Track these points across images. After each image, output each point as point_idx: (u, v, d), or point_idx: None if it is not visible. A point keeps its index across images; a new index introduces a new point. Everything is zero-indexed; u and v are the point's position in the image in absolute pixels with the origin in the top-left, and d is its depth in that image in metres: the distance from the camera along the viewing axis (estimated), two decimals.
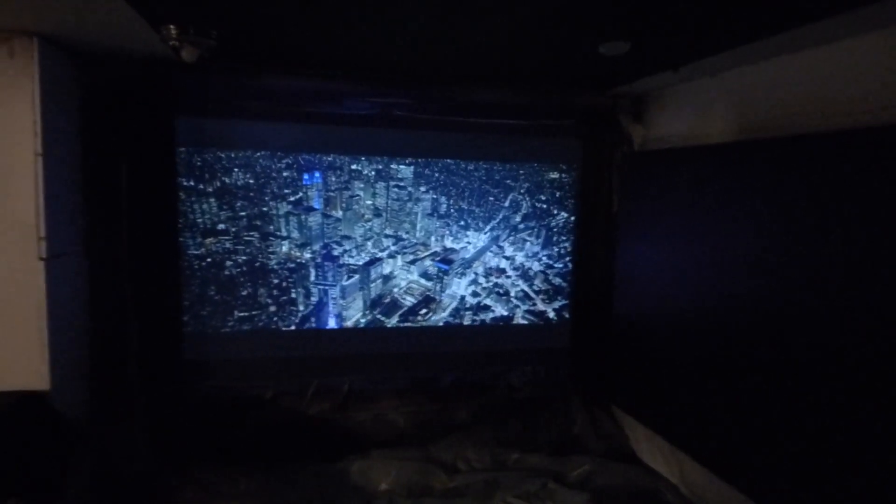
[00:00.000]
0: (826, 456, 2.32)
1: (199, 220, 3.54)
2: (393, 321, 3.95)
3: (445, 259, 4.01)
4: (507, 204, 4.04)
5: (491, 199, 4.02)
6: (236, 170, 3.57)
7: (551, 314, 4.18)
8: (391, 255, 3.93)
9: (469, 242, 4.04)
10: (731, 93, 2.99)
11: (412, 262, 3.98)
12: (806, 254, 2.43)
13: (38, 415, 2.56)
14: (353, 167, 3.78)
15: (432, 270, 3.99)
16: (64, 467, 2.62)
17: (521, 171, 4.03)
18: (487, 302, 4.09)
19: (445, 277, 4.02)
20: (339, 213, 3.81)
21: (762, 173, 2.69)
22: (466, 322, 4.07)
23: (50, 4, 2.13)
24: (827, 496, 2.31)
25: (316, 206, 3.74)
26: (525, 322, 4.15)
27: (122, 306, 3.17)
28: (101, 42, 2.70)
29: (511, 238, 4.08)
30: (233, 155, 3.55)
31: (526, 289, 4.14)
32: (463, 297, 4.06)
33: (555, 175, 4.08)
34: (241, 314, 3.66)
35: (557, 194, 4.09)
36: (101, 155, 3.07)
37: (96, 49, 2.81)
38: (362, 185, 3.82)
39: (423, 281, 4.00)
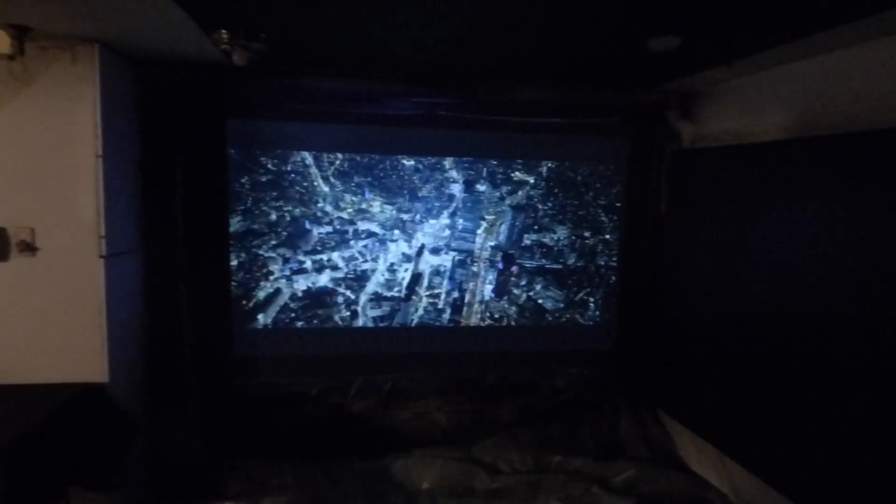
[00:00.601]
0: (891, 468, 2.20)
1: (256, 213, 3.63)
2: (444, 319, 3.96)
3: (506, 257, 3.99)
4: (550, 205, 3.99)
5: (535, 200, 3.98)
6: (287, 168, 3.65)
7: (596, 315, 4.11)
8: (444, 252, 3.94)
9: (517, 240, 4.01)
10: (787, 88, 2.87)
11: (468, 260, 3.98)
12: (865, 256, 2.31)
13: (97, 406, 2.66)
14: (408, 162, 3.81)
15: (482, 266, 3.98)
16: (122, 457, 2.72)
17: (575, 174, 3.97)
18: (529, 304, 4.05)
19: (500, 276, 4.00)
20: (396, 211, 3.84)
21: (819, 172, 2.58)
22: (505, 323, 4.04)
23: (110, 12, 2.21)
24: None
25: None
26: (569, 323, 4.10)
27: (176, 304, 3.28)
28: (157, 47, 2.79)
29: (554, 237, 4.03)
30: (280, 153, 3.62)
31: (564, 292, 4.08)
32: (508, 296, 4.03)
33: (601, 173, 4.00)
34: (284, 302, 3.74)
35: (603, 193, 4.01)
36: (157, 156, 3.18)
37: (153, 54, 2.91)
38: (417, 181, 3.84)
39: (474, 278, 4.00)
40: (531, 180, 3.96)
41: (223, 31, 2.54)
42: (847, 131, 2.47)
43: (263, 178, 3.63)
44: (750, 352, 2.97)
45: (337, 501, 3.06)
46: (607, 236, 4.05)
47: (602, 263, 4.08)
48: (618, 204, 4.02)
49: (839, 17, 2.14)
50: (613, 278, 4.08)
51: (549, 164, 3.96)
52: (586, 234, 4.05)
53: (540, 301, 4.07)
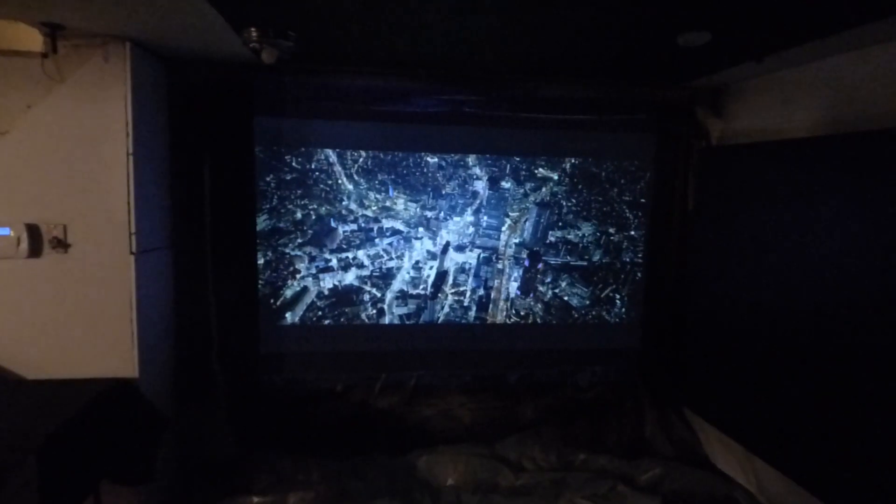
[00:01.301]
0: None
1: (282, 212, 3.65)
2: (470, 316, 3.97)
3: (532, 254, 3.98)
4: (574, 202, 3.97)
5: (559, 196, 3.96)
6: (311, 166, 3.66)
7: (622, 313, 4.09)
8: (469, 249, 3.94)
9: (541, 238, 4.00)
10: (819, 84, 2.82)
11: (493, 257, 3.97)
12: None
13: (127, 402, 2.69)
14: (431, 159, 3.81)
15: (508, 264, 3.97)
16: (152, 451, 2.75)
17: (599, 170, 3.94)
18: (555, 301, 4.03)
19: (525, 273, 3.99)
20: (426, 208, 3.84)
21: (850, 169, 2.54)
22: (531, 321, 4.03)
23: (141, 10, 2.22)
24: None
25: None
26: (595, 320, 4.08)
27: (203, 300, 3.31)
28: (187, 45, 2.80)
29: (579, 234, 4.00)
30: (304, 151, 3.63)
31: (590, 289, 4.06)
32: (533, 294, 4.03)
33: (625, 169, 3.97)
34: (310, 300, 3.76)
35: (628, 189, 3.98)
36: (186, 153, 3.20)
37: (182, 52, 2.93)
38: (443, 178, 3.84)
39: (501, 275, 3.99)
40: (555, 177, 3.94)
41: (253, 29, 2.55)
42: (879, 128, 2.42)
43: (288, 177, 3.64)
44: (777, 350, 2.94)
45: (362, 497, 3.08)
46: (632, 233, 4.02)
47: (627, 260, 4.05)
48: (643, 200, 3.98)
49: (870, 13, 2.10)
50: (639, 275, 4.05)
51: (573, 161, 3.93)
52: (611, 230, 4.01)
53: (566, 298, 4.05)
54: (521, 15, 2.33)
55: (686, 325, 3.76)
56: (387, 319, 3.87)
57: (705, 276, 3.61)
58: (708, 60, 3.02)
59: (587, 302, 4.05)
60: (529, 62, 3.17)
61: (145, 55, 2.79)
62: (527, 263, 3.99)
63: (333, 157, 3.68)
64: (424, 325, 3.91)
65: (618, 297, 4.08)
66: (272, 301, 3.68)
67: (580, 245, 4.01)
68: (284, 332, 3.71)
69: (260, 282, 3.60)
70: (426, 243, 3.86)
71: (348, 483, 3.18)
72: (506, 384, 3.86)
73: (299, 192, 3.66)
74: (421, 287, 3.90)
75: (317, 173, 3.67)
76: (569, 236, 3.99)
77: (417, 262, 3.87)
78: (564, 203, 3.96)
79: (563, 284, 4.03)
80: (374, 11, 2.31)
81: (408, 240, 3.84)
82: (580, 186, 3.95)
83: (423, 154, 3.77)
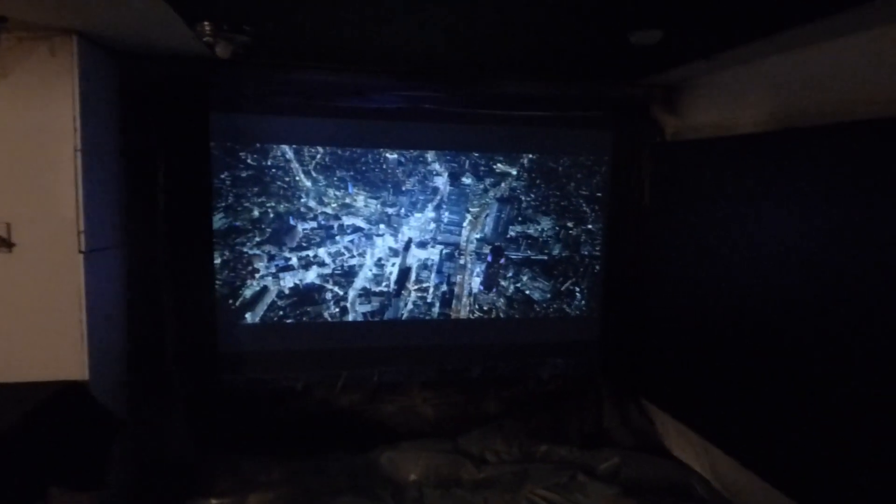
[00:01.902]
0: (861, 450, 2.28)
1: (238, 210, 3.59)
2: (434, 312, 3.97)
3: (495, 249, 4.01)
4: (532, 196, 4.02)
5: (518, 192, 4.00)
6: (267, 163, 3.61)
7: (582, 305, 4.16)
8: (431, 245, 3.94)
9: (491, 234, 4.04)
10: (766, 81, 2.94)
11: (455, 253, 3.99)
12: (841, 244, 2.38)
13: (78, 404, 2.62)
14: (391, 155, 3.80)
15: (470, 259, 3.99)
16: (104, 456, 2.68)
17: (556, 165, 4.00)
18: (518, 295, 4.08)
19: (488, 268, 4.03)
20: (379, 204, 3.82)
21: (797, 163, 2.64)
22: (494, 315, 4.07)
23: (89, 2, 2.17)
24: (862, 490, 2.27)
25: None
26: (556, 314, 4.14)
27: (158, 300, 3.24)
28: (137, 39, 2.74)
29: (539, 228, 4.06)
30: (259, 147, 3.57)
31: (551, 283, 4.12)
32: (496, 288, 4.06)
33: (581, 164, 4.04)
34: (271, 300, 3.71)
35: (584, 183, 4.05)
36: (139, 150, 3.13)
37: (133, 46, 2.86)
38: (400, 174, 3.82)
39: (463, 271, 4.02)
40: (514, 172, 3.99)
41: (206, 23, 2.51)
42: (822, 123, 2.53)
43: (244, 174, 3.58)
44: (731, 341, 3.04)
45: (324, 495, 3.06)
46: (590, 226, 4.10)
47: (586, 253, 4.13)
48: (598, 194, 4.07)
49: (813, 12, 2.20)
50: (597, 268, 4.13)
51: (531, 156, 3.98)
52: (569, 224, 4.09)
53: (528, 292, 4.10)
54: (473, 11, 2.35)
55: (644, 318, 3.86)
56: (350, 318, 3.85)
57: (661, 269, 3.70)
58: (660, 58, 3.11)
59: (548, 295, 4.12)
60: (486, 59, 3.20)
61: (94, 49, 2.71)
62: (489, 259, 4.03)
63: (290, 154, 3.64)
64: (386, 322, 3.91)
65: (577, 290, 4.16)
66: (231, 301, 3.62)
67: (540, 239, 4.07)
68: (244, 331, 3.66)
69: (217, 282, 3.54)
70: (388, 240, 3.86)
71: (310, 482, 3.16)
72: (469, 379, 3.89)
73: (256, 189, 3.60)
74: (384, 284, 3.89)
75: (273, 170, 3.63)
76: (528, 231, 4.05)
77: (380, 260, 3.87)
78: (523, 198, 4.02)
79: (525, 279, 4.09)
80: (329, 6, 2.30)
81: (369, 237, 3.83)
82: (538, 181, 4.01)
83: (382, 150, 3.76)
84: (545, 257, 4.08)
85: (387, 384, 3.77)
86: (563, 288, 4.13)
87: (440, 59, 3.23)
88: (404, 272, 3.92)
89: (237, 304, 3.65)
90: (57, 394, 2.51)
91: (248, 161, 3.58)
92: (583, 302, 4.16)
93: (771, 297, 2.76)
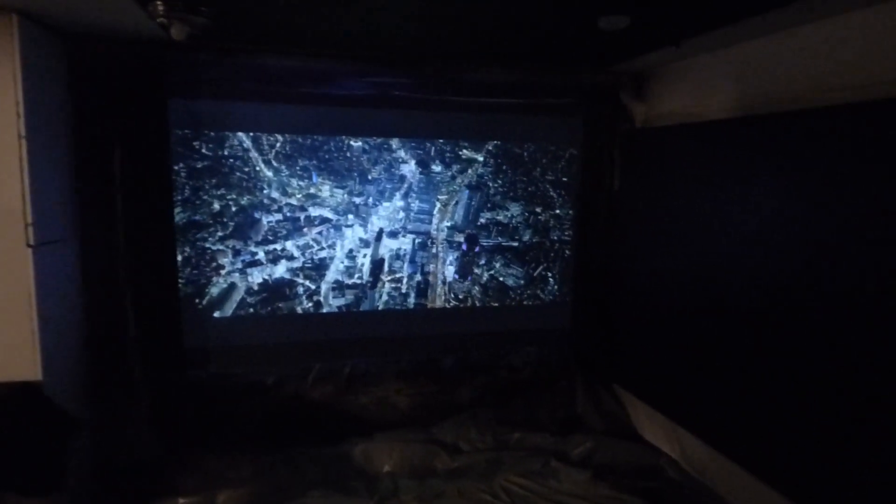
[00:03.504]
0: (828, 430, 2.34)
1: (197, 203, 3.44)
2: (410, 303, 3.92)
3: (469, 237, 3.97)
4: (500, 183, 3.98)
5: (486, 178, 3.96)
6: (224, 152, 3.47)
7: (555, 290, 4.17)
8: (401, 235, 3.88)
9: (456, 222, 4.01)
10: (733, 68, 2.95)
11: (428, 242, 3.93)
12: (807, 229, 2.43)
13: (31, 406, 2.51)
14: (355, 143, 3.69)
15: (442, 248, 3.95)
16: (62, 458, 2.58)
17: (522, 151, 3.98)
18: (493, 283, 4.06)
19: (463, 256, 4.00)
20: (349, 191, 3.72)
21: (763, 149, 2.68)
22: (470, 304, 4.05)
23: None
24: (828, 469, 2.33)
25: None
26: (530, 300, 4.14)
27: (118, 293, 3.11)
28: (86, 20, 2.58)
29: (508, 214, 4.04)
30: (214, 136, 3.43)
31: (525, 269, 4.12)
32: (471, 277, 4.03)
33: (546, 149, 4.02)
34: (240, 297, 3.60)
35: (550, 168, 4.04)
36: (93, 138, 2.98)
37: (82, 28, 2.70)
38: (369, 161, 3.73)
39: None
40: (480, 158, 3.95)
41: (158, 2, 2.37)
42: (787, 110, 2.56)
43: (199, 165, 3.42)
44: (699, 326, 3.09)
45: (297, 490, 3.01)
46: (558, 211, 4.10)
47: (556, 238, 4.13)
48: (564, 179, 4.06)
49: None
50: (568, 253, 4.13)
51: (496, 141, 3.94)
52: (538, 209, 4.08)
53: (501, 279, 4.09)
54: None
55: (614, 304, 3.89)
56: (325, 311, 3.77)
57: (631, 255, 3.73)
58: (628, 45, 3.09)
59: (522, 282, 4.11)
60: (456, 45, 3.14)
61: (38, 29, 2.55)
62: (464, 247, 3.99)
63: (248, 143, 3.50)
64: (358, 313, 3.85)
65: (550, 275, 4.16)
66: (197, 301, 3.49)
67: (510, 226, 4.05)
68: (211, 326, 3.56)
69: (181, 280, 3.41)
70: (357, 231, 3.78)
71: (281, 477, 3.10)
72: (442, 368, 3.87)
73: (214, 181, 3.46)
74: (357, 276, 3.82)
75: (231, 160, 3.48)
76: (498, 217, 4.03)
77: (351, 251, 3.79)
78: (491, 184, 3.99)
79: (498, 265, 4.07)
80: None
81: (338, 228, 3.75)
82: (504, 167, 3.98)
83: (346, 138, 3.66)
84: (516, 243, 4.07)
85: (360, 376, 3.71)
86: (535, 273, 4.13)
87: (407, 46, 3.16)
88: (378, 263, 3.85)
89: (204, 302, 3.52)
90: (7, 395, 2.40)
91: (204, 151, 3.42)
92: (556, 287, 4.17)
93: (739, 282, 2.81)
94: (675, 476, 3.25)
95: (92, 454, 2.99)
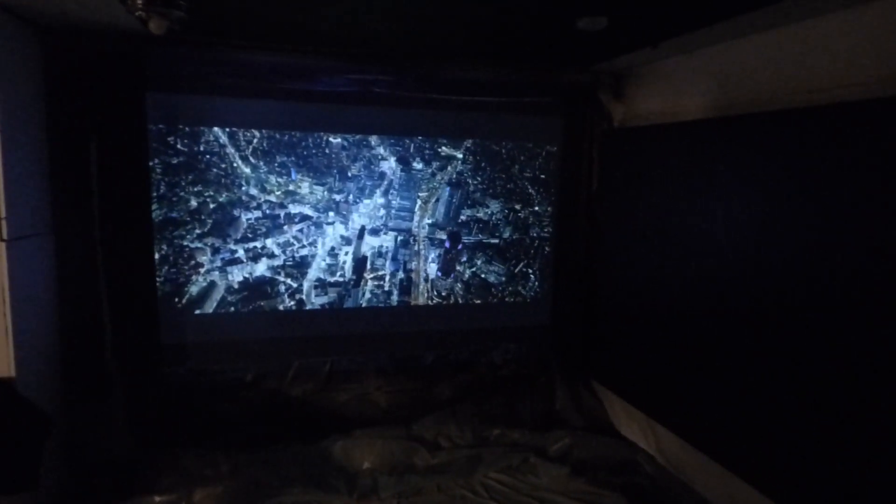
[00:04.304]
0: (798, 424, 2.39)
1: (173, 200, 3.41)
2: (393, 300, 3.93)
3: (452, 235, 3.98)
4: (479, 180, 4.00)
5: (465, 175, 3.98)
6: (199, 148, 3.42)
7: (532, 291, 4.21)
8: (383, 232, 3.87)
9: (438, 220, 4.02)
10: (710, 70, 3.01)
11: (410, 239, 3.93)
12: (783, 230, 2.47)
13: (3, 403, 2.47)
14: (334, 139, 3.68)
15: (424, 245, 3.95)
16: (35, 455, 2.54)
17: (500, 148, 4.00)
18: (475, 280, 4.08)
19: (446, 254, 4.00)
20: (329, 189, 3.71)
21: (739, 149, 2.72)
22: (452, 301, 4.06)
23: None
24: (800, 463, 2.39)
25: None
26: (512, 297, 4.17)
27: (94, 289, 3.07)
28: (62, 12, 2.55)
29: (488, 211, 4.06)
30: (189, 131, 3.38)
31: (506, 266, 4.15)
32: (454, 274, 4.04)
33: (523, 146, 4.05)
34: (220, 296, 3.58)
35: (528, 166, 4.07)
36: (69, 132, 2.94)
37: (59, 20, 2.67)
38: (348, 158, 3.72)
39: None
40: (459, 155, 3.96)
41: None
42: (763, 111, 2.62)
43: (175, 161, 3.37)
44: (674, 323, 3.14)
45: (275, 488, 3.00)
46: (537, 208, 4.13)
47: (535, 235, 4.16)
48: (542, 176, 4.09)
49: (754, 2, 2.25)
50: (548, 249, 4.17)
51: (475, 139, 3.97)
52: (517, 206, 4.10)
53: (483, 276, 4.11)
54: None
55: (593, 301, 3.94)
56: (307, 309, 3.76)
57: (609, 253, 3.78)
58: (607, 46, 3.14)
59: (504, 279, 4.14)
60: (436, 43, 3.16)
61: (13, 21, 2.52)
62: (447, 245, 4.01)
63: (224, 138, 3.46)
64: (339, 310, 3.84)
65: (531, 272, 4.19)
66: (177, 300, 3.46)
67: (490, 223, 4.08)
68: (189, 322, 3.52)
69: (159, 279, 3.37)
70: (338, 228, 3.77)
71: (259, 475, 3.09)
72: (422, 365, 3.88)
73: (190, 177, 3.41)
74: (339, 274, 3.81)
75: (207, 156, 3.44)
76: (478, 214, 4.05)
77: (333, 249, 3.78)
78: (471, 181, 4.00)
79: (479, 262, 4.09)
80: None
81: (318, 225, 3.73)
82: (483, 164, 4.00)
83: (324, 134, 3.65)
84: (497, 240, 4.10)
85: (339, 372, 3.71)
86: (516, 270, 4.15)
87: (388, 43, 3.16)
88: (361, 261, 3.85)
89: (184, 301, 3.48)
90: None
91: (179, 146, 3.37)
92: (537, 284, 4.20)
93: (714, 281, 2.86)
94: (651, 471, 3.30)
95: (66, 452, 2.95)
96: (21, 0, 2.38)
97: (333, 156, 3.69)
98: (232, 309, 3.59)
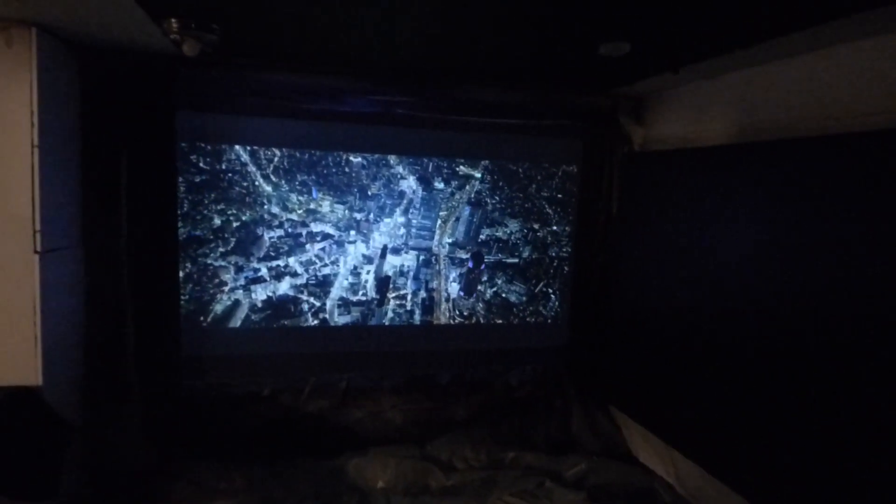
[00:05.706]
0: (820, 455, 2.34)
1: (197, 218, 3.48)
2: (416, 319, 3.94)
3: (475, 255, 3.99)
4: (497, 199, 4.01)
5: (483, 195, 4.00)
6: (221, 166, 3.49)
7: (553, 311, 4.19)
8: (404, 252, 3.90)
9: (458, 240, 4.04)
10: (731, 95, 3.01)
11: (432, 259, 3.95)
12: (804, 256, 2.44)
13: (29, 410, 2.52)
14: (354, 158, 3.73)
15: (444, 264, 3.97)
16: (57, 464, 2.59)
17: (517, 167, 4.02)
18: (496, 299, 4.07)
19: (469, 274, 4.01)
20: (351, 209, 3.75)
21: (760, 176, 2.71)
22: (474, 321, 4.05)
23: None
24: (821, 495, 2.33)
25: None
26: (524, 321, 4.15)
27: (119, 302, 3.14)
28: (101, 34, 2.67)
29: (507, 231, 4.07)
30: (209, 149, 3.45)
31: (526, 286, 4.14)
32: (476, 294, 4.05)
33: (543, 166, 4.07)
34: (244, 314, 3.62)
35: (545, 186, 4.08)
36: (101, 148, 3.03)
37: (97, 41, 2.78)
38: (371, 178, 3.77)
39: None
40: (477, 174, 3.98)
41: (173, 19, 2.46)
42: (784, 138, 2.61)
43: (198, 179, 3.43)
44: (693, 349, 3.09)
45: (287, 503, 2.99)
46: (555, 227, 4.12)
47: (554, 255, 4.14)
48: (559, 196, 4.09)
49: (776, 29, 2.27)
50: (566, 269, 4.16)
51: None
52: (535, 226, 4.10)
53: (504, 295, 4.11)
54: (447, 18, 2.36)
55: (611, 325, 3.90)
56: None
57: (628, 276, 3.76)
58: (628, 70, 3.16)
59: (524, 298, 4.12)
60: (459, 66, 3.21)
61: (54, 42, 2.63)
62: (470, 265, 4.02)
63: (246, 157, 3.52)
64: (356, 328, 3.86)
65: (551, 291, 4.17)
66: (202, 318, 3.50)
67: (510, 242, 4.07)
68: (210, 336, 3.57)
69: (183, 297, 3.42)
70: (360, 247, 3.81)
71: (273, 489, 3.09)
72: (438, 385, 3.86)
73: (213, 195, 3.47)
74: (361, 293, 3.83)
75: (229, 174, 3.49)
76: (497, 234, 4.05)
77: (355, 267, 3.81)
78: (489, 201, 4.01)
79: (500, 282, 4.09)
80: (300, 8, 2.28)
81: (340, 244, 3.76)
82: (501, 183, 4.01)
83: (343, 153, 3.70)
84: (517, 260, 4.09)
85: (355, 390, 3.71)
86: (536, 290, 4.14)
87: (411, 65, 3.23)
88: (384, 280, 3.87)
89: (208, 320, 3.52)
90: (7, 399, 2.42)
91: (201, 165, 3.43)
92: (557, 304, 4.18)
93: (735, 306, 2.82)
94: (669, 499, 3.23)
95: (85, 461, 2.99)
96: (63, 22, 2.49)
97: (353, 174, 3.73)
98: (257, 328, 3.62)
